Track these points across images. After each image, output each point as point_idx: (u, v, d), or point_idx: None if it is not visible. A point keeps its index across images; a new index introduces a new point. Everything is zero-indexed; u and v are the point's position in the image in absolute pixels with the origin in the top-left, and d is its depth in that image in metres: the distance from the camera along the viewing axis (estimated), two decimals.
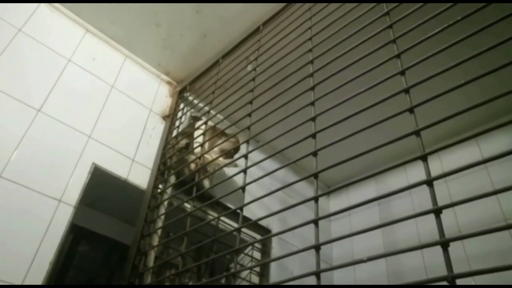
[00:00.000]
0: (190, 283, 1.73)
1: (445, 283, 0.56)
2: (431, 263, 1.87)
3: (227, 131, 1.59)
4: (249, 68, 1.58)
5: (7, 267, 1.20)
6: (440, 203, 0.63)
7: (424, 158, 0.69)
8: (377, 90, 0.88)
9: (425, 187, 0.67)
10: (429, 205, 0.64)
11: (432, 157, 0.69)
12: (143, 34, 1.85)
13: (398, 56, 0.86)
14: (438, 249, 0.60)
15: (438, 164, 1.99)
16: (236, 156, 1.72)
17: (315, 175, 0.90)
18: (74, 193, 1.44)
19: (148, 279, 1.38)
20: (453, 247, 0.60)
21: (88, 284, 1.39)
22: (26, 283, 1.21)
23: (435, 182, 0.66)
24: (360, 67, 0.95)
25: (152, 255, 1.45)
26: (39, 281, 1.23)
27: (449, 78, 0.77)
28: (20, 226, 1.28)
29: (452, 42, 0.77)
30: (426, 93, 0.75)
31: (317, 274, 0.75)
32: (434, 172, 0.66)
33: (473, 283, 1.66)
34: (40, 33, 1.62)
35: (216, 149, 1.72)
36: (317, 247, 0.79)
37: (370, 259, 0.69)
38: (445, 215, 0.61)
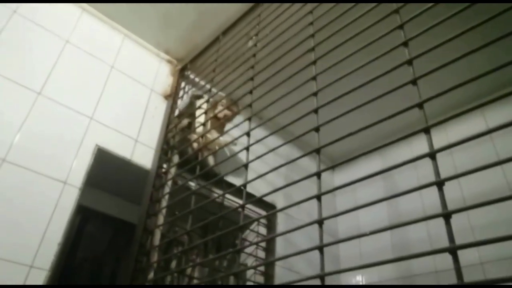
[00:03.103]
0: (198, 260, 1.76)
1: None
2: (435, 234, 1.89)
3: (223, 102, 1.60)
4: (250, 44, 1.56)
5: (16, 249, 1.22)
6: (445, 174, 0.62)
7: (427, 130, 0.68)
8: (380, 63, 0.86)
9: (430, 160, 0.67)
10: (434, 178, 0.64)
11: (438, 129, 0.68)
12: (141, 12, 1.81)
13: (401, 27, 0.83)
14: (443, 220, 0.60)
15: (444, 136, 1.98)
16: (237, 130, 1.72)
17: (317, 151, 0.89)
18: (78, 175, 1.45)
19: (155, 257, 1.40)
20: (458, 219, 0.59)
21: (97, 259, 1.42)
22: (36, 264, 1.24)
23: (439, 154, 0.65)
24: (363, 39, 0.93)
25: (158, 233, 1.47)
26: (48, 262, 1.26)
27: (452, 49, 0.75)
28: (27, 209, 1.29)
29: (456, 11, 0.74)
30: (430, 65, 0.74)
31: (320, 248, 0.75)
32: (439, 144, 0.65)
33: (477, 254, 1.67)
34: (35, 14, 1.59)
35: (221, 114, 1.71)
36: (320, 222, 0.79)
37: (373, 232, 0.69)
38: (450, 187, 0.61)
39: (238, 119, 1.83)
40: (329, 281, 0.83)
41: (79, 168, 1.46)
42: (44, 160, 1.39)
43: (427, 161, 0.68)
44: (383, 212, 2.17)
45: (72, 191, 1.41)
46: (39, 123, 1.43)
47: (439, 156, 0.66)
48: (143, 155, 1.68)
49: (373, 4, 0.96)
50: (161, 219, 1.50)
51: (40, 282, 1.23)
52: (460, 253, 0.56)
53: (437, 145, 0.65)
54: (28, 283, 1.20)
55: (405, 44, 0.80)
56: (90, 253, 1.42)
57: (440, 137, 1.94)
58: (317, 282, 0.73)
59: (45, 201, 1.34)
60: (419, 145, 2.12)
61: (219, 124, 1.78)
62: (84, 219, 1.43)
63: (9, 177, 1.29)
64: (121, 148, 1.62)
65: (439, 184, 0.62)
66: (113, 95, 1.71)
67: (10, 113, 1.38)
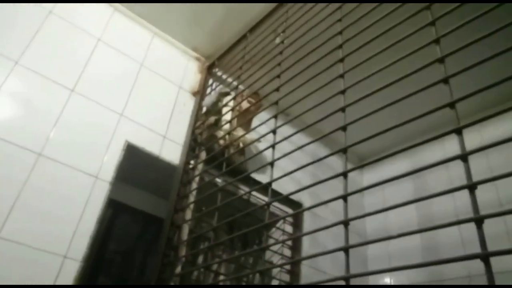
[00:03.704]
0: (224, 256, 1.78)
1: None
2: (468, 235, 1.81)
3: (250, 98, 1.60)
4: (277, 41, 1.55)
5: (52, 240, 1.28)
6: (479, 175, 0.59)
7: (459, 131, 0.66)
8: (408, 60, 0.83)
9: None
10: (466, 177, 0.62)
11: (471, 128, 0.65)
12: (170, 11, 1.84)
13: (432, 23, 0.80)
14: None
15: (477, 135, 1.90)
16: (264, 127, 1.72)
17: (344, 150, 0.88)
18: (109, 170, 1.49)
19: (183, 252, 1.43)
20: (493, 222, 0.57)
21: (128, 252, 1.46)
22: (70, 255, 1.29)
23: (472, 156, 0.63)
24: (392, 37, 0.90)
25: (185, 228, 1.49)
26: (81, 253, 1.31)
27: (485, 45, 0.71)
28: (62, 202, 1.34)
29: (490, 8, 0.71)
30: (460, 62, 0.70)
31: (345, 249, 0.75)
32: (472, 144, 0.62)
33: None
34: (70, 14, 1.65)
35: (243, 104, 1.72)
36: (345, 223, 0.78)
37: (401, 235, 0.67)
38: (485, 188, 0.58)
39: (264, 116, 1.83)
40: (356, 281, 0.82)
41: (109, 163, 1.51)
42: (77, 155, 1.44)
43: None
44: (412, 212, 2.11)
45: (103, 186, 1.45)
46: (72, 119, 1.48)
47: (472, 156, 0.63)
48: (171, 151, 1.71)
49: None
50: (188, 214, 1.52)
51: (74, 272, 1.28)
52: (494, 258, 0.53)
53: (470, 143, 0.63)
54: (62, 272, 1.26)
55: (436, 41, 0.77)
56: (121, 246, 1.47)
57: (473, 135, 1.86)
58: (342, 283, 0.72)
59: (78, 195, 1.39)
60: (451, 142, 2.05)
61: (245, 121, 1.79)
62: (114, 213, 1.47)
63: (45, 170, 1.35)
64: (150, 144, 1.66)
65: (471, 187, 0.60)
66: (143, 92, 1.75)
67: (45, 109, 1.44)
